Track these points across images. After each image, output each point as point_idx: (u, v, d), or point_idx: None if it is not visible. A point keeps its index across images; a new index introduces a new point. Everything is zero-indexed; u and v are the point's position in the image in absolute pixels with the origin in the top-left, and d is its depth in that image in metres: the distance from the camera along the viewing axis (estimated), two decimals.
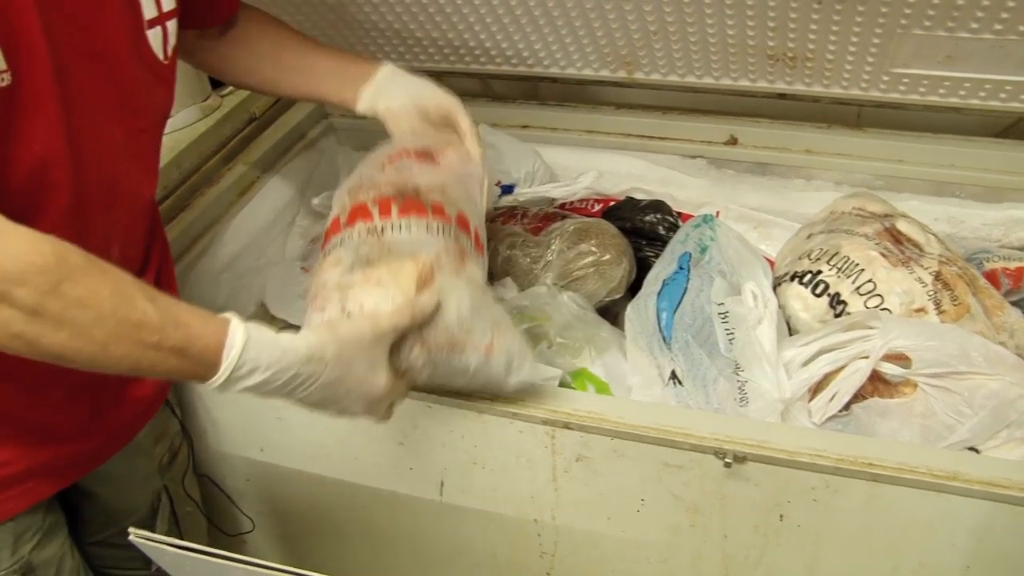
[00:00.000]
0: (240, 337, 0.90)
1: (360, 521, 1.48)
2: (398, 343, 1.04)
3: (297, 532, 1.59)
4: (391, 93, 1.34)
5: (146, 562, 1.33)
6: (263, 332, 0.93)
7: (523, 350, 1.13)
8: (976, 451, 1.20)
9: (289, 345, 0.93)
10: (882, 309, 1.34)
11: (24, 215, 0.93)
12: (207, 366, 0.89)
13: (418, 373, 1.08)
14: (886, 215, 1.50)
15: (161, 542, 1.10)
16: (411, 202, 1.16)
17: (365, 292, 1.06)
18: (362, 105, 1.35)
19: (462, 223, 1.17)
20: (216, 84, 1.92)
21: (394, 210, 1.15)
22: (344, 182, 1.28)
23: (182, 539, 1.12)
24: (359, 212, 1.17)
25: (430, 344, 1.06)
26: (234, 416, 1.43)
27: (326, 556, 1.59)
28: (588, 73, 1.71)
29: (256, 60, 1.36)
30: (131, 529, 1.10)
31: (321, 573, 1.01)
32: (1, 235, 0.80)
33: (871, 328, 1.27)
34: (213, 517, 1.57)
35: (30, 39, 0.88)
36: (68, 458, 1.17)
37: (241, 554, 1.04)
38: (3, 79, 0.86)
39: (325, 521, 1.53)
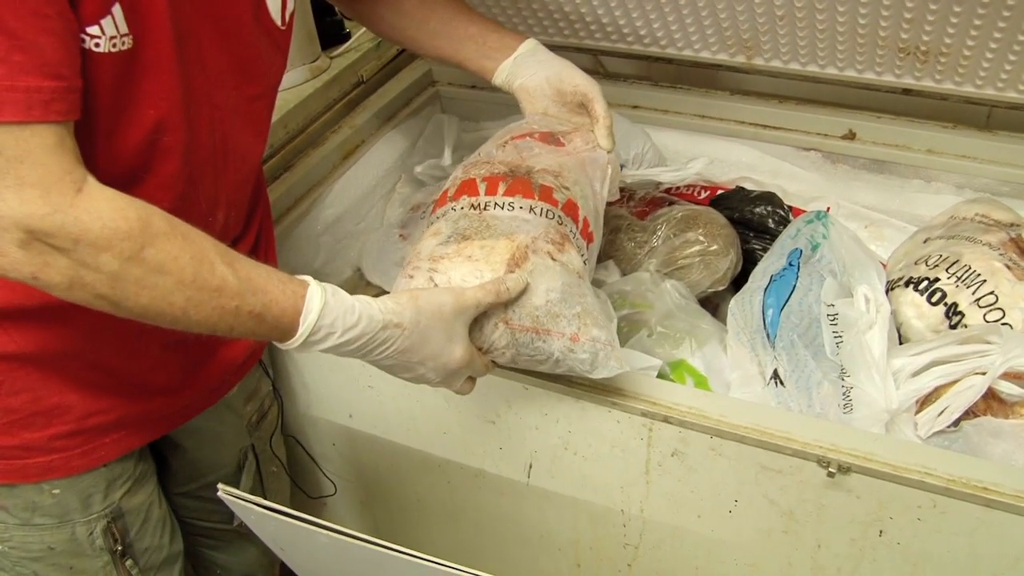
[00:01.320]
0: (317, 303, 0.92)
1: (443, 495, 1.48)
2: (482, 319, 1.04)
3: (378, 500, 1.60)
4: (529, 70, 1.32)
5: (229, 516, 1.35)
6: (340, 297, 0.95)
7: (612, 344, 1.10)
8: None
9: (365, 311, 0.95)
10: (1003, 324, 1.27)
11: (136, 177, 0.96)
12: (284, 330, 0.92)
13: (499, 353, 1.08)
14: (1012, 224, 1.43)
15: (247, 500, 1.11)
16: (520, 182, 1.16)
17: (454, 265, 1.06)
18: (499, 78, 1.34)
19: (570, 209, 1.16)
20: (326, 46, 1.92)
21: (501, 188, 1.15)
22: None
23: (265, 497, 1.13)
24: (467, 187, 1.17)
25: (514, 325, 1.05)
26: (325, 381, 1.43)
27: (405, 527, 1.60)
28: (705, 56, 1.66)
29: (401, 18, 1.35)
30: (220, 485, 1.11)
31: (400, 544, 1.01)
32: (89, 198, 0.81)
33: (989, 343, 1.21)
34: (296, 478, 1.59)
35: (152, 3, 0.88)
36: (160, 410, 1.19)
37: (321, 517, 1.05)
38: (124, 42, 0.87)
39: (407, 492, 1.53)
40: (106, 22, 0.84)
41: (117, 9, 0.84)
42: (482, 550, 1.52)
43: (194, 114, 0.99)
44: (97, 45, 0.84)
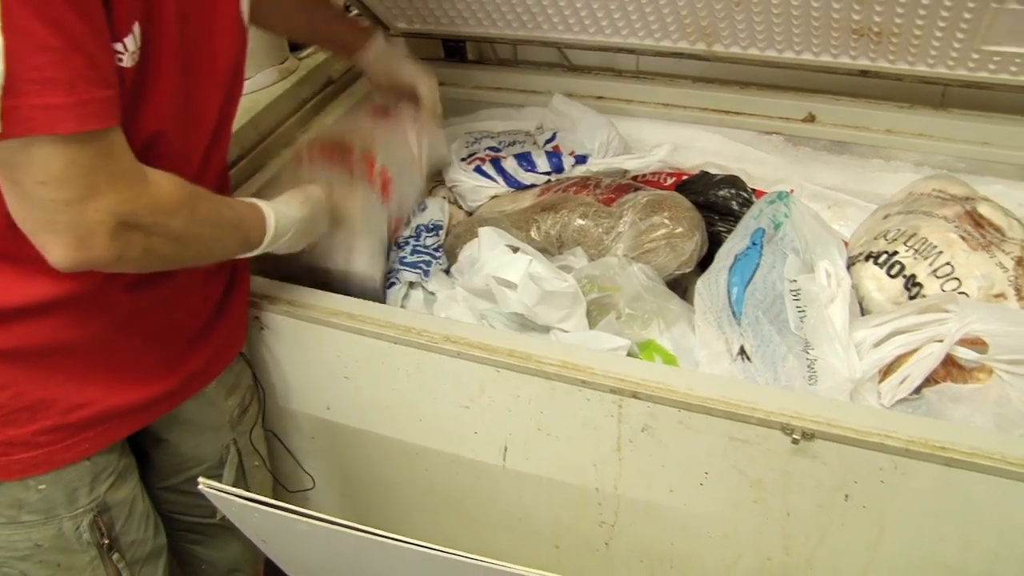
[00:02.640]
0: (272, 217, 1.18)
1: (422, 483, 1.50)
2: None
3: (358, 491, 1.62)
4: (376, 67, 1.66)
5: (212, 510, 1.37)
6: (279, 207, 1.21)
7: (358, 247, 1.45)
8: None
9: (296, 213, 1.24)
10: (959, 293, 1.31)
11: None
12: (256, 242, 1.18)
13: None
14: (967, 198, 1.46)
15: (229, 493, 1.12)
16: (328, 146, 1.56)
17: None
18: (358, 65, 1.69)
19: (367, 159, 1.55)
20: (294, 47, 1.94)
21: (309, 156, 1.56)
22: None
23: (248, 492, 1.15)
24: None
25: None
26: (302, 374, 1.45)
27: (386, 516, 1.62)
28: (667, 44, 1.69)
29: (270, 9, 1.50)
30: (200, 479, 1.13)
31: (381, 531, 1.03)
32: (155, 178, 0.97)
33: (947, 311, 1.24)
34: (276, 472, 1.60)
35: (164, 16, 0.96)
36: (143, 401, 1.21)
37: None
38: (135, 57, 0.94)
39: (387, 481, 1.55)
40: (128, 39, 0.92)
41: (136, 26, 0.92)
42: (462, 536, 1.54)
43: (188, 119, 1.07)
44: (120, 60, 0.92)
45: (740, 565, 1.32)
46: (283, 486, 1.62)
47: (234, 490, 1.13)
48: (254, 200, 1.19)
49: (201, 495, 1.14)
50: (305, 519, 1.08)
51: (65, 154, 0.86)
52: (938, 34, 1.40)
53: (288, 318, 1.37)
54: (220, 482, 1.20)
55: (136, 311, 1.14)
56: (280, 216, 1.20)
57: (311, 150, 1.57)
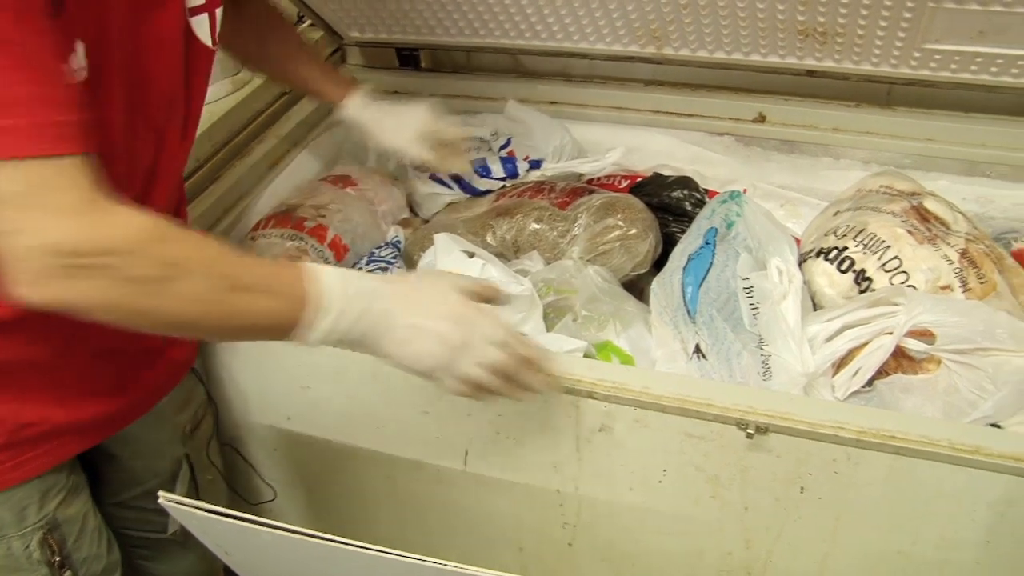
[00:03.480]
0: (327, 279, 0.95)
1: (384, 490, 1.50)
2: None
3: (321, 501, 1.61)
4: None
5: (163, 525, 1.36)
6: (334, 268, 0.97)
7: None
8: (999, 428, 1.19)
9: (358, 273, 0.99)
10: (907, 286, 1.33)
11: None
12: (297, 299, 0.93)
13: None
14: (914, 193, 1.49)
15: (189, 505, 1.12)
16: (282, 218, 1.60)
17: None
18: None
19: (316, 231, 1.58)
20: None
21: (270, 223, 1.60)
22: None
23: None
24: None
25: None
26: (261, 385, 1.45)
27: (349, 524, 1.61)
28: (618, 48, 1.71)
29: (249, 42, 1.50)
30: (160, 492, 1.12)
31: (345, 539, 1.03)
32: (113, 213, 0.84)
33: (896, 304, 1.26)
34: (236, 485, 1.60)
35: (105, 37, 0.92)
36: (92, 420, 1.19)
37: None
38: (81, 75, 0.89)
39: (349, 490, 1.55)
40: (72, 58, 0.87)
41: (79, 44, 0.87)
42: (426, 541, 1.54)
43: (134, 139, 1.03)
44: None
45: (702, 561, 1.34)
46: (243, 499, 1.62)
47: (194, 502, 1.12)
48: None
49: (152, 510, 1.14)
50: (268, 529, 1.08)
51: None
52: (880, 33, 1.43)
53: None
54: None
55: (86, 332, 1.11)
56: (336, 274, 0.96)
57: (266, 221, 1.58)
